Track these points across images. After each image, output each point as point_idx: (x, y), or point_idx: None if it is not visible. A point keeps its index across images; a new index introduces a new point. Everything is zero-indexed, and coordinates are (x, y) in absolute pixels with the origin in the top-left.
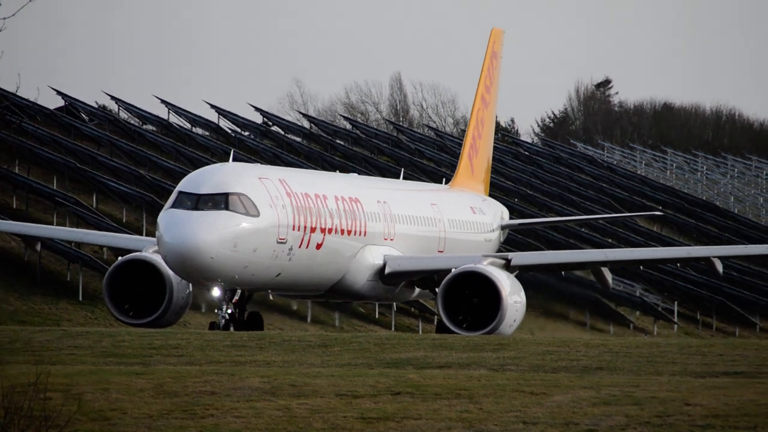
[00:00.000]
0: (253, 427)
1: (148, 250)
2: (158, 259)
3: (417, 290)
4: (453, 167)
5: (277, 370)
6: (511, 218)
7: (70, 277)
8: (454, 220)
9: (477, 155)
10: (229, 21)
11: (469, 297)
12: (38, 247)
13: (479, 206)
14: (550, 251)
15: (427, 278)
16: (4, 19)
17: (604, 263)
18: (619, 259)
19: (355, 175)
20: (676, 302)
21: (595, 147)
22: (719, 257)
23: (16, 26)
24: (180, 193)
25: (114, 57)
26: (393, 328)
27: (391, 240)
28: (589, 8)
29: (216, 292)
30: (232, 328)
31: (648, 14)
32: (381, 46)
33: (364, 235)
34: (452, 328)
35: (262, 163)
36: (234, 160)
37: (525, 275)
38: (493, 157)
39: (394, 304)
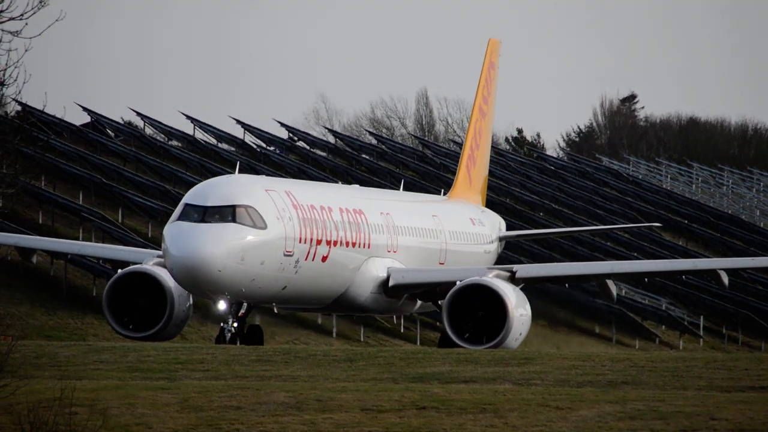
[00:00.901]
0: None
1: (149, 263)
2: (159, 272)
3: (419, 303)
4: None
5: (303, 384)
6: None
7: (95, 292)
8: (454, 232)
9: (475, 166)
10: (255, 37)
11: (474, 310)
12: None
13: (478, 217)
14: (555, 263)
15: (430, 291)
16: (31, 38)
17: (610, 275)
18: (625, 271)
19: (357, 186)
20: (701, 316)
21: (620, 161)
22: (725, 269)
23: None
24: (186, 205)
25: (140, 73)
26: (418, 343)
27: (394, 252)
28: (614, 23)
29: (222, 305)
30: (238, 341)
31: (673, 29)
32: (407, 61)
33: (368, 247)
34: (457, 341)
35: (283, 176)
36: (242, 172)
37: (549, 289)
38: (519, 171)
39: (417, 317)
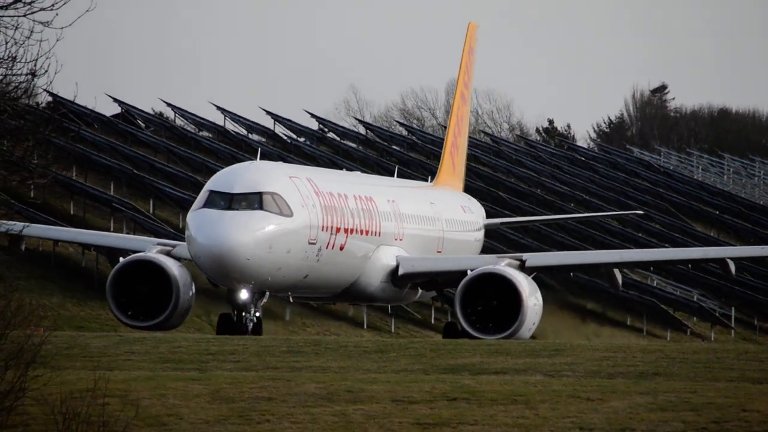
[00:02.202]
0: None
1: (152, 251)
2: (163, 260)
3: (420, 291)
4: (509, 172)
5: (334, 375)
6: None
7: None
8: (450, 220)
9: (458, 152)
10: (287, 27)
11: (486, 299)
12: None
13: (467, 205)
14: (565, 252)
15: (433, 279)
16: (62, 28)
17: (619, 264)
18: (634, 260)
19: (358, 172)
20: (733, 308)
21: (651, 152)
22: (734, 258)
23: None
24: (211, 192)
25: (170, 64)
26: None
27: (401, 240)
28: (645, 14)
29: (244, 294)
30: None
31: (704, 19)
32: (437, 52)
33: (379, 235)
34: (471, 331)
35: (308, 164)
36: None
37: (580, 281)
38: (550, 162)
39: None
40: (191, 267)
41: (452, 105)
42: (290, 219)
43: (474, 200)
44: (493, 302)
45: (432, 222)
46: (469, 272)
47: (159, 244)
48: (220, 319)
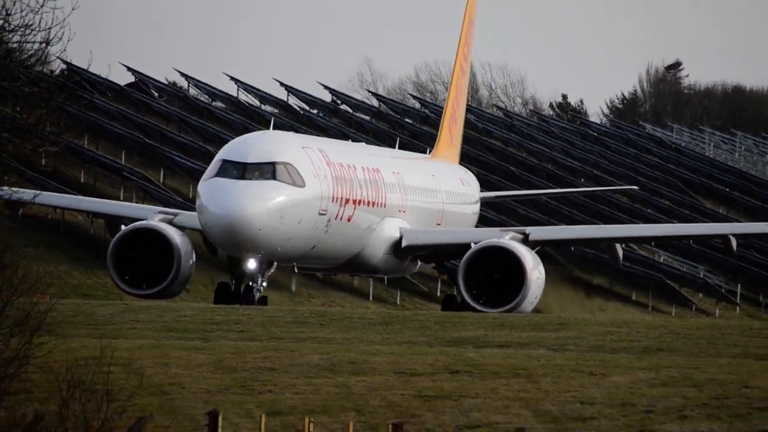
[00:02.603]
0: (310, 404)
1: (154, 219)
2: (166, 228)
3: (419, 263)
4: (521, 146)
5: (337, 347)
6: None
7: None
8: (450, 192)
9: (456, 124)
10: None
11: (489, 272)
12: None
13: (465, 177)
14: (568, 226)
15: (434, 252)
16: None
17: (622, 239)
18: (637, 235)
19: (364, 143)
20: (739, 284)
21: (663, 128)
22: (736, 234)
23: (89, 3)
24: (224, 161)
25: (185, 34)
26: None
27: (404, 212)
28: None
29: (252, 264)
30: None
31: None
32: (451, 26)
33: (385, 207)
34: (473, 304)
35: (319, 135)
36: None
37: (588, 255)
38: (562, 137)
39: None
40: (192, 236)
41: (451, 77)
42: (302, 189)
43: (470, 173)
44: (496, 275)
45: (433, 194)
46: (472, 245)
47: (161, 212)
48: (218, 288)
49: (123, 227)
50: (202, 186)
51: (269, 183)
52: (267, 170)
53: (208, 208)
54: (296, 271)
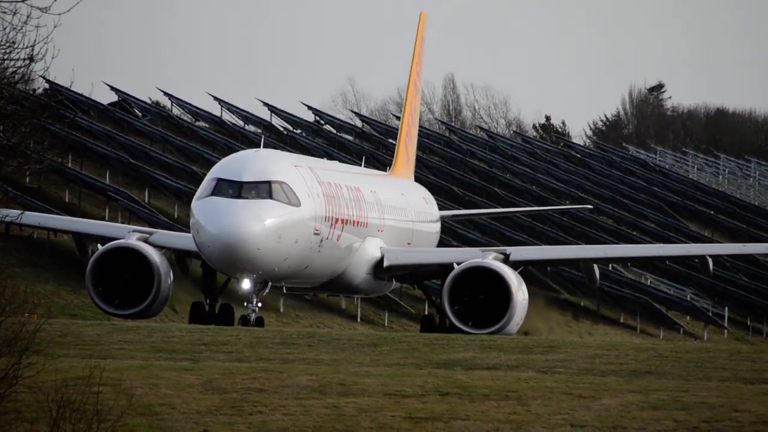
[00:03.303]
0: (300, 425)
1: (132, 238)
2: (145, 247)
3: (394, 282)
4: (505, 168)
5: (326, 368)
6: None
7: None
8: (417, 211)
9: (411, 142)
10: (284, 19)
11: (472, 293)
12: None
13: (425, 196)
14: (548, 246)
15: (413, 272)
16: (60, 14)
17: (603, 259)
18: (618, 255)
19: (336, 162)
20: (726, 307)
21: (647, 151)
22: (715, 255)
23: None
24: (219, 180)
25: (168, 53)
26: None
27: (382, 231)
28: (643, 12)
29: (246, 284)
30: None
31: (702, 19)
32: (435, 47)
33: (366, 226)
34: (459, 325)
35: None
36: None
37: (575, 278)
38: (545, 159)
39: None
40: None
41: (405, 96)
42: (298, 209)
43: (427, 191)
44: (480, 296)
45: (404, 213)
46: (455, 265)
47: (135, 231)
48: (193, 308)
49: (99, 246)
50: (196, 205)
51: (266, 202)
52: (263, 189)
53: (205, 227)
54: (285, 291)
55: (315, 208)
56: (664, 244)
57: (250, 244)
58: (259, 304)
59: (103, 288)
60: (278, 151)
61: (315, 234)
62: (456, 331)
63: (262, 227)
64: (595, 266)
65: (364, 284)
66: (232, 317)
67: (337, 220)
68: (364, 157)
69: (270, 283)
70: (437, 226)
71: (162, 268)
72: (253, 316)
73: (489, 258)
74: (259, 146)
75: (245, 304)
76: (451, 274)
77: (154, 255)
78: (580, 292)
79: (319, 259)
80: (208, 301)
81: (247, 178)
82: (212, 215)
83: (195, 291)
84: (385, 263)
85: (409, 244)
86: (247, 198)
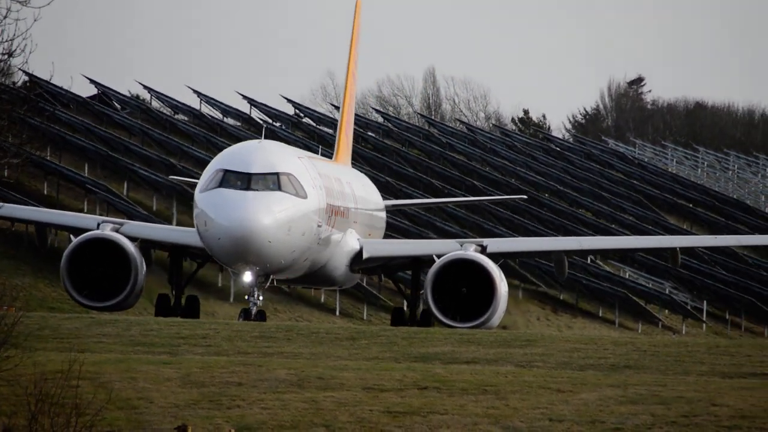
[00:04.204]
0: (279, 419)
1: (105, 228)
2: (121, 239)
3: (360, 274)
4: (484, 161)
5: (305, 362)
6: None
7: None
8: (371, 201)
9: (350, 130)
10: (264, 12)
11: (455, 286)
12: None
13: (370, 184)
14: (524, 238)
15: (385, 264)
16: (40, 8)
17: (579, 251)
18: (593, 248)
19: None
20: (705, 301)
21: (626, 144)
22: (687, 247)
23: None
24: (226, 171)
25: (148, 47)
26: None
27: (356, 223)
28: (623, 5)
29: (248, 277)
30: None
31: (682, 12)
32: (415, 40)
33: (348, 218)
34: (443, 319)
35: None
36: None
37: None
38: (525, 152)
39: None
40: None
41: (346, 83)
42: (305, 201)
43: (368, 179)
44: (462, 289)
45: (367, 203)
46: (435, 258)
47: (105, 222)
48: (158, 300)
49: (72, 238)
50: (202, 197)
51: (277, 194)
52: (272, 181)
53: (214, 219)
54: (275, 284)
55: (318, 200)
56: (638, 236)
57: (263, 236)
58: (260, 298)
59: (78, 280)
60: (280, 143)
61: (318, 226)
62: (428, 324)
63: (274, 220)
64: (566, 259)
65: (341, 276)
66: (198, 309)
67: (333, 211)
68: (320, 147)
69: (272, 276)
70: (384, 215)
71: (139, 260)
72: (254, 310)
73: (470, 250)
74: (238, 138)
75: (246, 297)
76: (434, 267)
77: (130, 246)
78: (559, 286)
79: (316, 252)
80: (174, 293)
81: (255, 169)
82: (222, 207)
83: (158, 282)
84: (365, 255)
85: (370, 234)
86: (257, 190)
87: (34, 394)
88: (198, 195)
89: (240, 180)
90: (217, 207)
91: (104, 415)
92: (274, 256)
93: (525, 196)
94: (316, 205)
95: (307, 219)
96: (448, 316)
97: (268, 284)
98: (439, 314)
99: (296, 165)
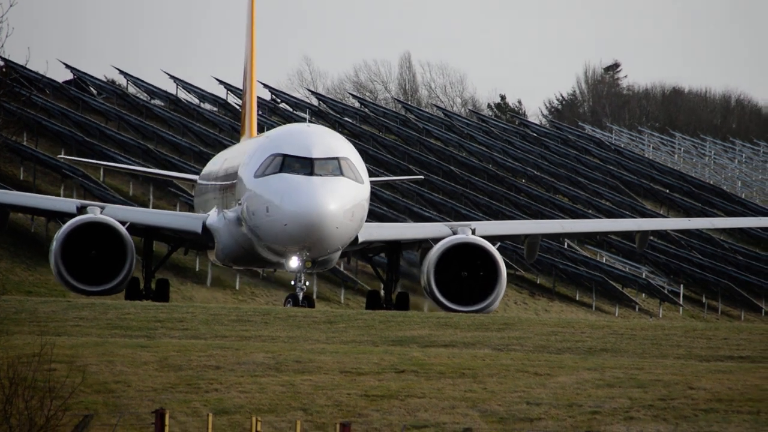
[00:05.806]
0: (256, 403)
1: (96, 212)
2: (116, 223)
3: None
4: (461, 147)
5: (282, 345)
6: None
7: None
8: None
9: (253, 112)
10: None
11: (456, 269)
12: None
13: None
14: (511, 221)
15: (366, 248)
16: None
17: (561, 234)
18: (575, 231)
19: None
20: (682, 285)
21: (603, 130)
22: (665, 231)
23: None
24: (285, 156)
25: (124, 31)
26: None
27: None
28: None
29: (295, 262)
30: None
31: None
32: (391, 25)
33: None
34: (446, 302)
35: None
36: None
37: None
38: (501, 137)
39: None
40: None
41: (251, 65)
42: (363, 186)
43: None
44: (463, 273)
45: None
46: (431, 242)
47: (84, 205)
48: (129, 284)
49: (62, 221)
50: (260, 181)
51: (341, 180)
52: (334, 166)
53: (280, 206)
54: (274, 271)
55: (368, 186)
56: (614, 219)
57: (332, 222)
58: (307, 283)
59: (71, 264)
60: (323, 126)
61: (366, 211)
62: (404, 307)
63: (341, 206)
64: (539, 243)
65: (334, 260)
66: (168, 293)
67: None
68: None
69: (319, 260)
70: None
71: (132, 243)
72: (301, 295)
73: (467, 232)
74: (214, 123)
75: (292, 282)
76: (435, 250)
77: (124, 230)
78: (536, 269)
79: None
80: (145, 277)
81: (317, 154)
82: (289, 193)
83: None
84: (360, 238)
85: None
86: (321, 175)
87: (8, 377)
88: (253, 180)
89: (302, 165)
90: (282, 193)
91: (81, 399)
92: (336, 241)
93: (422, 177)
94: (368, 190)
95: (364, 204)
96: (451, 300)
97: (314, 270)
98: (442, 298)
99: (350, 149)
